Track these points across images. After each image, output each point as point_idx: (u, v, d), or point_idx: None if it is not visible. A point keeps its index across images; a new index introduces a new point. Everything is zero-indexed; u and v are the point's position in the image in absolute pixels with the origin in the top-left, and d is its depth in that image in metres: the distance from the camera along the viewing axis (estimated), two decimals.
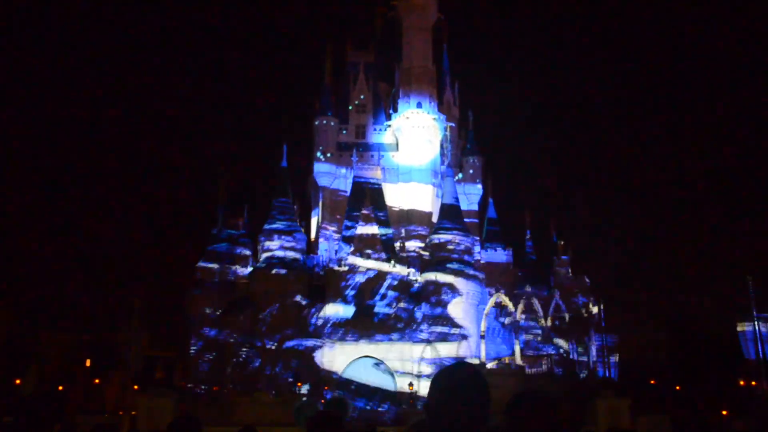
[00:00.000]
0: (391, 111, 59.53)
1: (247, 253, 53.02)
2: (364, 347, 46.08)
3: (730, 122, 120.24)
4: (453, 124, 61.45)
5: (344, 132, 59.05)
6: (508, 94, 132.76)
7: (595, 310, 51.00)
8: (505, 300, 48.98)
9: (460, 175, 59.63)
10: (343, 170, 56.74)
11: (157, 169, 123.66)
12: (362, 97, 60.43)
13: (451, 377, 3.63)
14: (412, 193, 56.05)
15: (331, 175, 57.18)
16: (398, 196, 55.71)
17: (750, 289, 45.38)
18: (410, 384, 44.86)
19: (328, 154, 57.28)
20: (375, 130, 59.12)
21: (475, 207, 60.30)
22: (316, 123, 58.21)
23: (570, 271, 55.78)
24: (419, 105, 57.64)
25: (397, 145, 57.78)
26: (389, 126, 58.42)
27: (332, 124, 58.24)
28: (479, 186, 60.38)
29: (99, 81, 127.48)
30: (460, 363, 3.81)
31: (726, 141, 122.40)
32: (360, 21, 67.96)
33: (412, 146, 56.60)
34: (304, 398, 39.77)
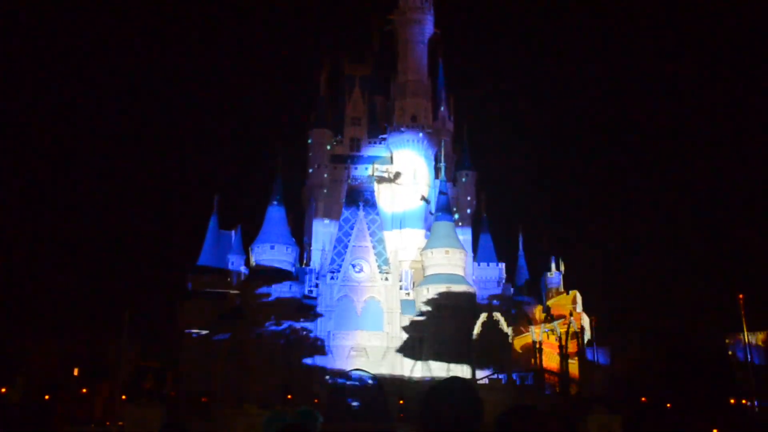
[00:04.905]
0: (386, 124, 59.67)
1: (240, 264, 52.86)
2: (356, 361, 45.99)
3: (724, 139, 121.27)
4: (447, 138, 61.63)
5: (339, 143, 59.15)
6: (503, 108, 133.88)
7: (586, 325, 50.90)
8: (497, 315, 48.93)
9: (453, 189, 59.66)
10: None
11: (150, 180, 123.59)
12: (357, 109, 60.59)
13: (445, 391, 3.72)
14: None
15: (323, 188, 57.08)
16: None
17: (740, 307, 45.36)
18: (401, 399, 44.67)
19: (324, 166, 57.34)
20: (369, 143, 59.21)
21: (468, 222, 60.35)
22: (311, 135, 58.25)
23: (562, 285, 55.80)
24: (414, 119, 57.78)
25: (391, 158, 57.85)
26: (384, 139, 58.53)
27: (327, 136, 58.32)
28: (473, 200, 60.43)
29: (96, 95, 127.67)
30: (453, 377, 3.91)
31: (719, 157, 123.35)
32: (357, 34, 68.44)
33: (405, 160, 56.78)
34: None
